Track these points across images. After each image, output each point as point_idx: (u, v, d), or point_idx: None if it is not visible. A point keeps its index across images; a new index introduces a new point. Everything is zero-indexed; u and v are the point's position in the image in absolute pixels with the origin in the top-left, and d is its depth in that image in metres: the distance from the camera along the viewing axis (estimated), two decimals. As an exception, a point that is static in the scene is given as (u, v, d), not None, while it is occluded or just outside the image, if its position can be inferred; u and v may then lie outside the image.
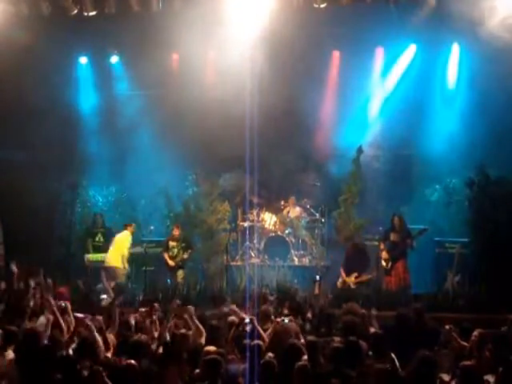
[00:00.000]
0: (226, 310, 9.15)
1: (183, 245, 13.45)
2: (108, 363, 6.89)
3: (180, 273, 13.38)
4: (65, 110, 14.61)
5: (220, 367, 6.59)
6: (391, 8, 12.83)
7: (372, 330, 8.37)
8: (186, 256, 13.44)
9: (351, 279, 12.46)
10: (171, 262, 13.42)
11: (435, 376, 6.57)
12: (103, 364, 6.78)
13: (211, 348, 7.36)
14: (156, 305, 8.72)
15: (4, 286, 10.49)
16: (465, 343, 7.77)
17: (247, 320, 7.94)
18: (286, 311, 9.14)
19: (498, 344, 7.30)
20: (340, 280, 12.61)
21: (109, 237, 14.15)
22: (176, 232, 13.53)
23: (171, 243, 13.50)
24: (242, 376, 6.54)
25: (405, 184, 14.33)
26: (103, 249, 13.98)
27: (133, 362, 6.53)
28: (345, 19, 13.01)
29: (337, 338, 7.80)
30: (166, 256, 13.46)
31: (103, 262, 13.45)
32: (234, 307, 9.03)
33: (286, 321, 7.97)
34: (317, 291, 12.33)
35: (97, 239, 14.15)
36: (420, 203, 14.40)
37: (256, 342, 7.24)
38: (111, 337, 7.61)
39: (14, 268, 10.63)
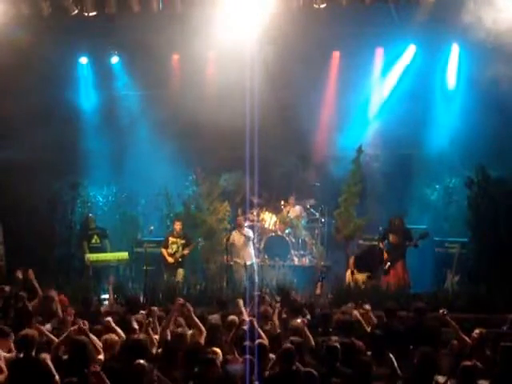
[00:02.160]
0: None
1: (183, 242, 13.43)
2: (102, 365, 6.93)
3: (180, 271, 13.35)
4: (65, 110, 14.61)
5: (215, 367, 6.60)
6: (391, 8, 12.83)
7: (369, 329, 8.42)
8: (186, 252, 13.41)
9: (362, 277, 12.49)
10: (170, 259, 13.37)
11: (433, 373, 6.61)
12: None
13: (210, 348, 7.39)
14: (155, 309, 8.63)
15: (8, 290, 10.45)
16: (465, 337, 7.80)
17: (247, 321, 7.95)
18: (285, 315, 9.14)
19: (498, 343, 7.32)
20: (349, 273, 12.61)
21: (104, 237, 14.15)
22: (177, 227, 13.50)
23: (171, 239, 13.47)
24: (242, 376, 6.56)
25: (405, 184, 14.34)
26: (100, 250, 13.99)
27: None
28: (345, 20, 13.01)
29: (334, 338, 7.83)
30: (164, 252, 13.42)
31: (104, 261, 13.48)
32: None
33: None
34: (318, 291, 12.36)
35: (93, 241, 14.11)
36: (420, 203, 14.42)
37: (257, 341, 7.25)
38: (114, 338, 7.59)
39: (20, 275, 10.59)
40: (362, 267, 12.63)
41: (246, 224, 14.02)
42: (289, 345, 7.10)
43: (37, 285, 10.10)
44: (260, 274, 12.96)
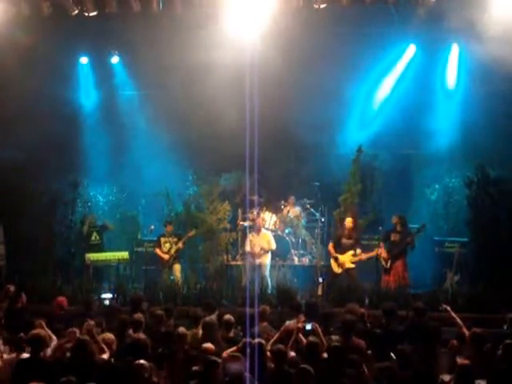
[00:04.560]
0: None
1: (175, 240, 13.40)
2: (104, 365, 6.94)
3: (176, 267, 13.31)
4: (65, 110, 14.62)
5: (218, 368, 6.61)
6: (391, 8, 12.84)
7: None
8: (180, 245, 13.35)
9: (347, 257, 12.41)
10: (166, 256, 13.30)
11: (435, 374, 6.61)
12: (99, 366, 6.84)
13: (209, 346, 7.40)
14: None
15: (13, 289, 10.46)
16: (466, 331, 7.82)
17: (308, 326, 7.91)
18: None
19: (498, 343, 7.33)
20: (333, 262, 12.48)
21: (102, 233, 14.15)
22: (169, 229, 13.46)
23: (163, 239, 13.45)
24: (241, 375, 6.57)
25: (405, 184, 14.35)
26: (100, 247, 13.98)
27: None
28: (345, 20, 13.02)
29: (335, 337, 7.84)
30: (158, 251, 13.38)
31: (105, 261, 13.48)
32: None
33: (309, 327, 7.95)
34: (320, 292, 12.35)
35: (93, 238, 14.12)
36: (420, 203, 14.43)
37: (256, 340, 7.26)
38: (110, 337, 7.59)
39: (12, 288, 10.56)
40: (343, 248, 12.51)
41: (246, 224, 14.02)
42: (280, 345, 7.14)
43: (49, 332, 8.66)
44: (272, 275, 12.94)
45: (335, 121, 14.49)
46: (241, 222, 14.28)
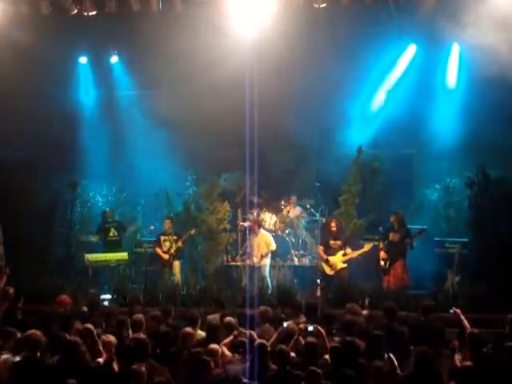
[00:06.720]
0: None
1: (174, 238, 13.34)
2: (99, 369, 6.90)
3: (176, 264, 13.23)
4: (65, 110, 14.60)
5: (209, 369, 6.59)
6: (391, 8, 12.82)
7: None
8: (180, 244, 13.30)
9: (338, 258, 12.45)
10: (165, 256, 13.25)
11: (435, 373, 6.58)
12: (92, 370, 6.80)
13: (214, 347, 7.38)
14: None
15: (12, 292, 10.42)
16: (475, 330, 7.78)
17: (310, 328, 7.91)
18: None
19: (498, 344, 7.30)
20: (325, 264, 12.53)
21: (122, 230, 14.09)
22: (167, 225, 13.40)
23: (163, 237, 13.39)
24: (243, 376, 6.55)
25: (405, 184, 14.33)
26: (118, 243, 13.90)
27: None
28: (345, 19, 13.00)
29: (336, 338, 7.81)
30: (158, 251, 13.32)
31: (104, 262, 13.43)
32: None
33: (311, 328, 7.95)
34: (319, 293, 12.34)
35: (111, 234, 14.05)
36: (420, 203, 14.41)
37: (257, 341, 7.24)
38: (111, 339, 7.55)
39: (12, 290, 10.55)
40: (332, 250, 12.55)
41: (246, 224, 13.99)
42: (283, 346, 7.11)
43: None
44: (271, 276, 12.89)
45: (336, 121, 14.46)
46: (241, 223, 14.26)
